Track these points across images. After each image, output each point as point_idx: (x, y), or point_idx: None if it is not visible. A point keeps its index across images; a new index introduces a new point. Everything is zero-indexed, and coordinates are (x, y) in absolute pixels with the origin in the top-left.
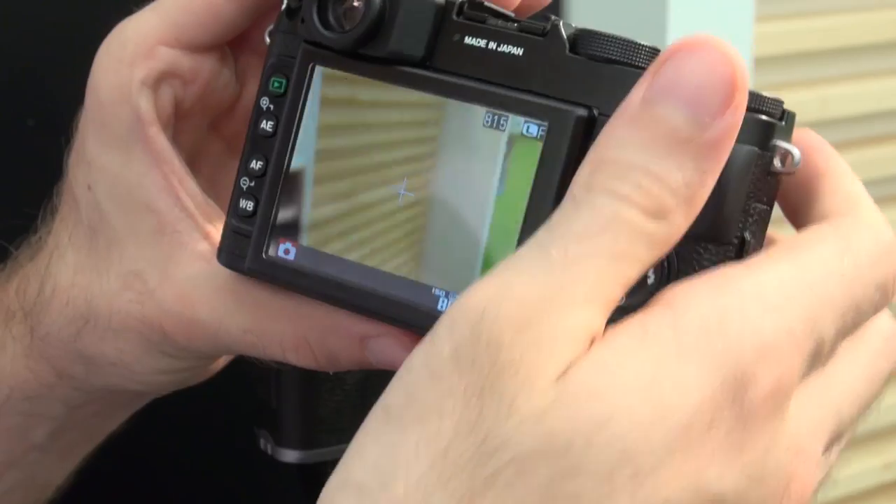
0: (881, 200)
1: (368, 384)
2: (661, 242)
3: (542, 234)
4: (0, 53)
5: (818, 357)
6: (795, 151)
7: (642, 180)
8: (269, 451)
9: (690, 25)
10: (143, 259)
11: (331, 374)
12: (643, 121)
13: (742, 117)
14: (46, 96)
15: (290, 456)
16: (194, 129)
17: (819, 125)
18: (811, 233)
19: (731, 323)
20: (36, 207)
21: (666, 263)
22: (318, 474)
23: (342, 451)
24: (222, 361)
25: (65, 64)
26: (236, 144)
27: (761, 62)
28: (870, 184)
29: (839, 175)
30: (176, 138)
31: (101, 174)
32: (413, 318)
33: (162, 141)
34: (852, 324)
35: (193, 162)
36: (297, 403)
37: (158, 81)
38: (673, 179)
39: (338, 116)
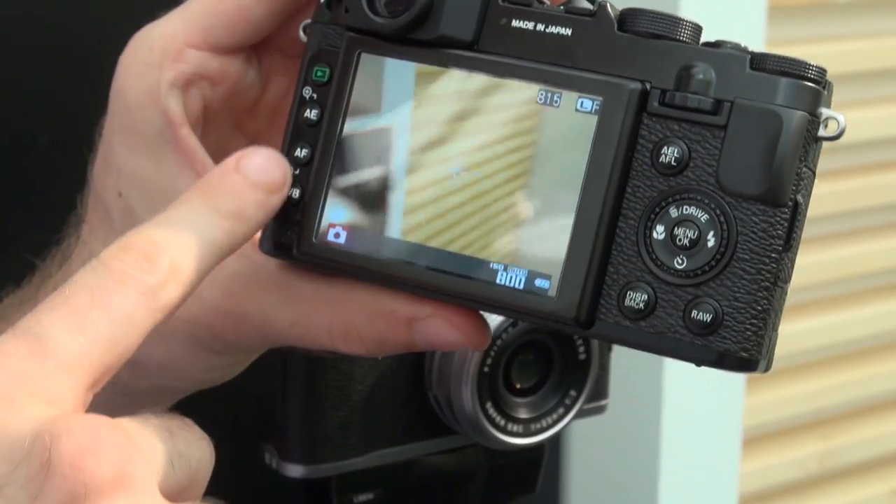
0: (888, 226)
1: (373, 399)
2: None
3: None
4: (13, 71)
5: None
6: (840, 117)
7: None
8: (274, 466)
9: None
10: None
11: (334, 390)
12: None
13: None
14: (58, 114)
15: (294, 471)
16: (220, 129)
17: (829, 150)
18: None
19: None
20: (53, 221)
21: (726, 227)
22: (322, 489)
23: (347, 467)
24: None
25: (77, 81)
26: (260, 142)
27: None
28: (876, 210)
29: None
30: (203, 139)
31: (133, 180)
32: (470, 292)
33: (193, 142)
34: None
35: (219, 161)
36: (302, 418)
37: (187, 83)
38: None
39: (384, 101)
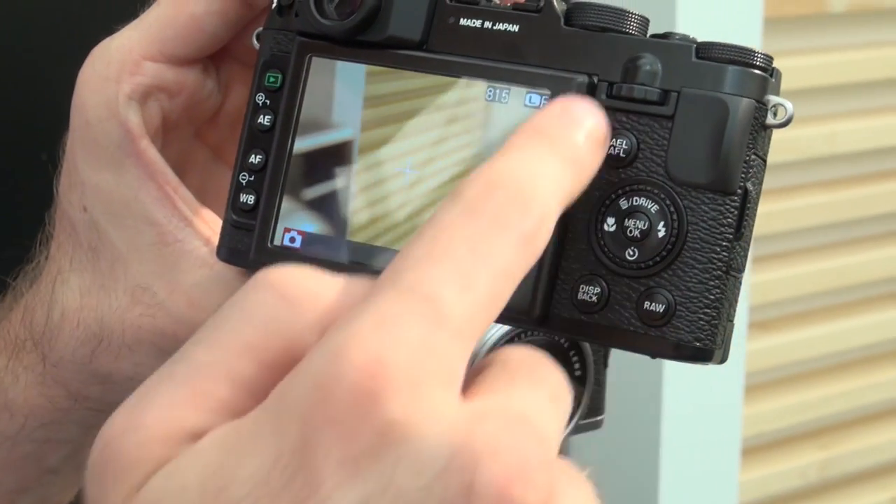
0: (887, 235)
1: None
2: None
3: None
4: (15, 89)
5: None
6: (788, 104)
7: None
8: None
9: None
10: (148, 272)
11: None
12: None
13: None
14: (60, 131)
15: None
16: (180, 139)
17: (827, 160)
18: None
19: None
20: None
21: (675, 217)
22: None
23: None
24: None
25: None
26: (222, 151)
27: None
28: (877, 219)
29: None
30: (164, 150)
31: (96, 193)
32: None
33: (153, 153)
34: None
35: (182, 172)
36: None
37: (145, 96)
38: None
39: (335, 104)
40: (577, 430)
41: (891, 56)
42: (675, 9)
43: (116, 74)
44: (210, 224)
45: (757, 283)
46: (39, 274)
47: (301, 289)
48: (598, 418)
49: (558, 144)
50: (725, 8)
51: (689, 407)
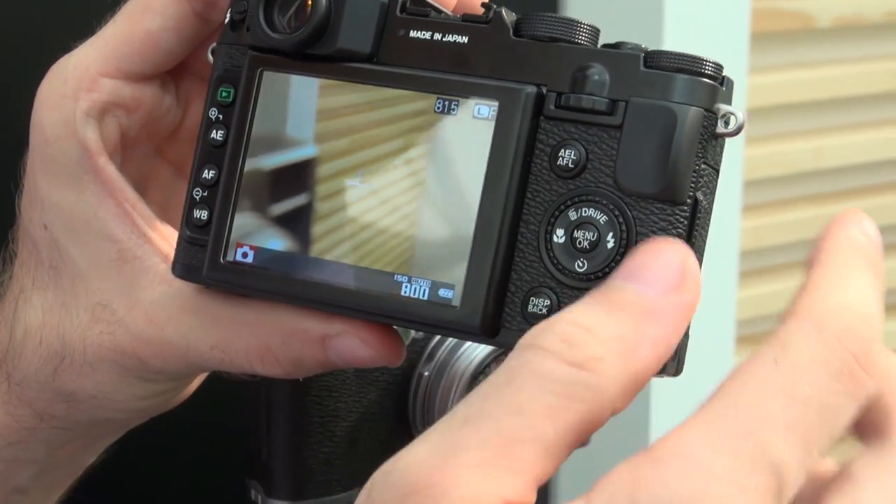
0: None
1: (358, 435)
2: (585, 396)
3: (463, 399)
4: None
5: (785, 488)
6: (739, 113)
7: (567, 329)
8: (260, 502)
9: None
10: (108, 289)
11: (319, 426)
12: (590, 294)
13: (693, 305)
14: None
15: None
16: (141, 156)
17: (813, 175)
18: (744, 362)
19: (642, 494)
20: None
21: (624, 227)
22: None
23: (332, 503)
24: (197, 383)
25: None
26: (184, 167)
27: (755, 113)
28: None
29: (814, 263)
30: (124, 167)
31: (56, 211)
32: (376, 306)
33: (111, 170)
34: (825, 430)
35: (144, 188)
36: (288, 455)
37: (102, 112)
38: (603, 330)
39: (285, 117)
40: None
41: (877, 71)
42: (663, 23)
43: (73, 92)
44: (169, 241)
45: (745, 298)
46: (4, 293)
47: (582, 353)
48: None
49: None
50: (712, 23)
51: (677, 422)
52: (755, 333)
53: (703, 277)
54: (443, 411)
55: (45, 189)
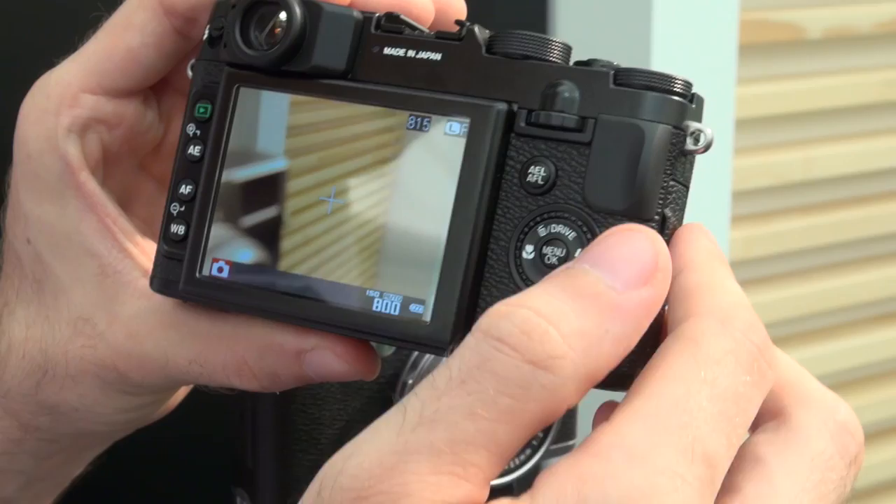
0: (867, 260)
1: (343, 443)
2: (542, 396)
3: (417, 388)
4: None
5: (717, 477)
6: (707, 130)
7: (528, 318)
8: None
9: None
10: (89, 303)
11: (304, 434)
12: (554, 276)
13: (662, 298)
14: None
15: None
16: (124, 171)
17: (803, 186)
18: (661, 358)
19: (590, 489)
20: None
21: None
22: None
23: None
24: (182, 394)
25: None
26: (167, 182)
27: (744, 124)
28: (854, 244)
29: (685, 270)
30: (106, 182)
31: (38, 226)
32: (348, 320)
33: (93, 186)
34: (743, 419)
35: (127, 204)
36: (273, 463)
37: (84, 128)
38: (566, 323)
39: (260, 133)
40: (548, 454)
41: (867, 82)
42: (651, 34)
43: (55, 107)
44: (150, 255)
45: None
46: None
47: (543, 350)
48: (570, 443)
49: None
50: (700, 34)
51: None
52: None
53: None
54: None
55: (28, 204)
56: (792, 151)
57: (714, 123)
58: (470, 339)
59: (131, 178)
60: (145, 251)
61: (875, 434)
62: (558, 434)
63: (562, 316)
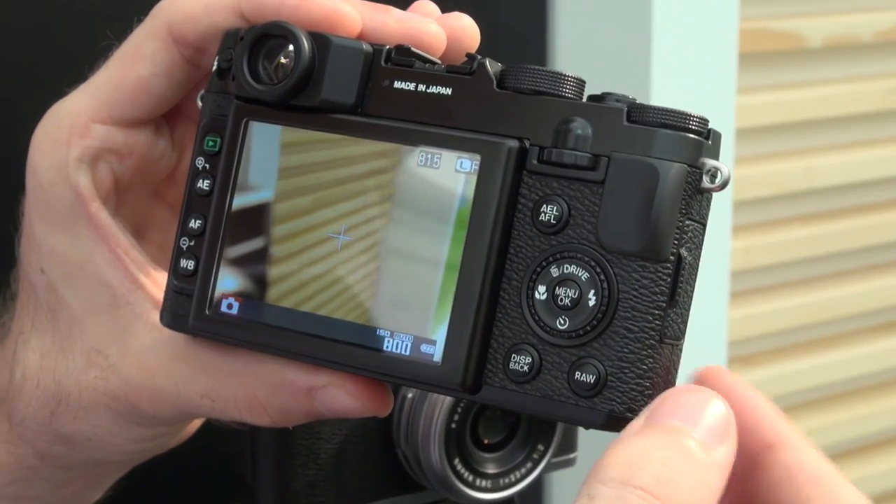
0: (869, 269)
1: (343, 458)
2: None
3: None
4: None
5: None
6: (724, 168)
7: (661, 471)
8: None
9: (673, 99)
10: (102, 334)
11: (303, 449)
12: (651, 429)
13: (733, 455)
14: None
15: None
16: (137, 200)
17: (805, 195)
18: None
19: None
20: None
21: (606, 285)
22: None
23: None
24: (198, 423)
25: None
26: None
27: (744, 133)
28: (856, 253)
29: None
30: (119, 211)
31: (51, 256)
32: (358, 360)
33: (104, 216)
34: None
35: (142, 231)
36: (272, 478)
37: (95, 158)
38: (687, 477)
39: (270, 169)
40: (549, 468)
41: (868, 90)
42: (651, 44)
43: (66, 137)
44: (162, 287)
45: (736, 319)
46: (6, 333)
47: (677, 498)
48: (571, 455)
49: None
50: (700, 43)
51: None
52: (747, 354)
53: (694, 298)
54: (426, 433)
55: (41, 234)
56: (793, 161)
57: None
58: (609, 491)
59: (145, 207)
60: (157, 282)
61: (877, 444)
62: (559, 447)
63: (683, 469)
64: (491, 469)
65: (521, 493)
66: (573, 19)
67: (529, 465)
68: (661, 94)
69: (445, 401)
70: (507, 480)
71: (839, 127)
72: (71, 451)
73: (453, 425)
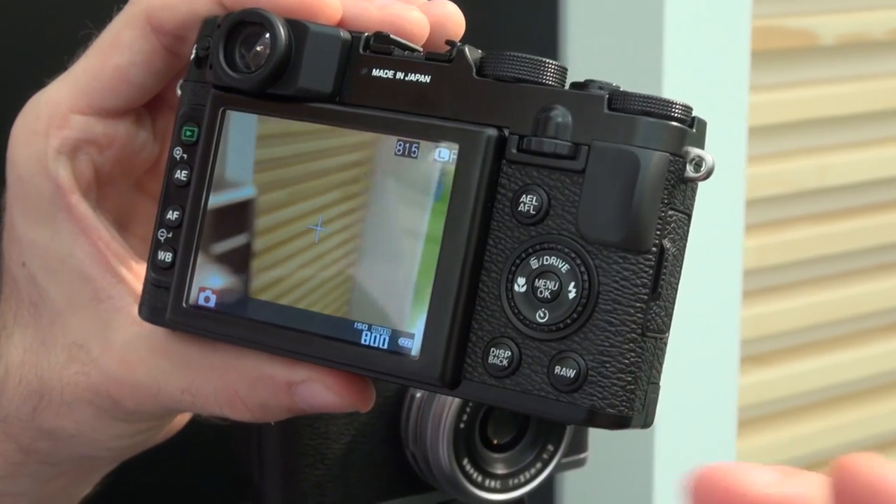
0: (881, 268)
1: (350, 457)
2: None
3: None
4: None
5: None
6: (708, 157)
7: None
8: None
9: (685, 97)
10: (83, 329)
11: (311, 448)
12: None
13: None
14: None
15: None
16: (119, 191)
17: (818, 193)
18: None
19: None
20: None
21: (586, 277)
22: None
23: None
24: (184, 418)
25: None
26: None
27: (758, 132)
28: (869, 252)
29: None
30: (101, 203)
31: (32, 249)
32: (336, 354)
33: (84, 208)
34: None
35: (125, 224)
36: (279, 478)
37: (74, 149)
38: None
39: (248, 159)
40: (559, 468)
41: (881, 88)
42: (663, 42)
43: (45, 129)
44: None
45: (749, 317)
46: None
47: None
48: (582, 456)
49: None
50: (713, 41)
51: (681, 442)
52: (759, 353)
53: (706, 297)
54: (434, 433)
55: (22, 227)
56: (806, 159)
57: (727, 131)
58: None
59: (128, 198)
60: (139, 276)
61: (892, 443)
62: (570, 447)
63: None
64: (500, 469)
65: (530, 494)
66: (584, 16)
67: (539, 465)
68: (673, 92)
69: (454, 400)
70: (516, 481)
71: (852, 125)
72: (55, 446)
73: (462, 425)
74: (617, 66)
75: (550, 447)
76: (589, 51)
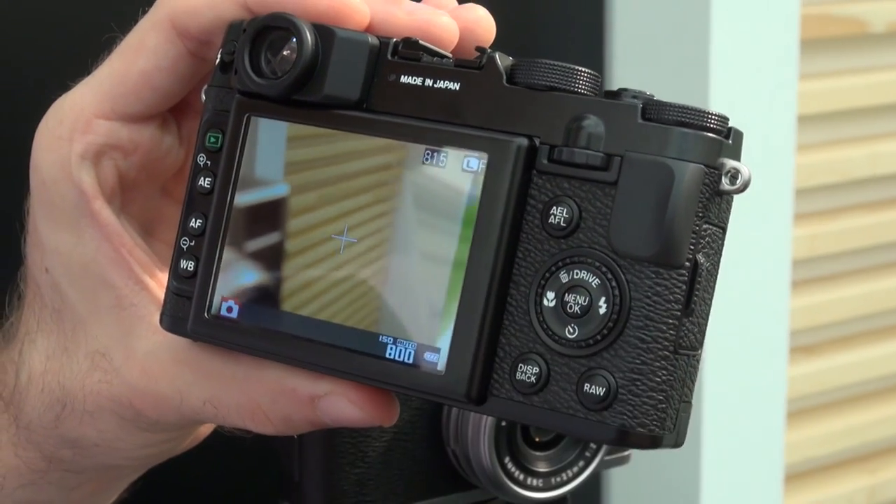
0: None
1: (391, 456)
2: None
3: None
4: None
5: None
6: (744, 169)
7: None
8: None
9: (734, 86)
10: (106, 336)
11: (351, 447)
12: None
13: None
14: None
15: None
16: (145, 197)
17: (869, 182)
18: None
19: None
20: None
21: (618, 292)
22: None
23: None
24: (210, 426)
25: None
26: None
27: (807, 120)
28: None
29: None
30: (126, 209)
31: (55, 255)
32: (360, 367)
33: (108, 214)
34: None
35: (151, 230)
36: (320, 475)
37: (98, 155)
38: None
39: (272, 165)
40: (602, 465)
41: None
42: (710, 31)
43: (69, 133)
44: None
45: (799, 308)
46: (13, 333)
47: None
48: (626, 453)
49: None
50: (762, 30)
51: (729, 434)
52: (809, 343)
53: (756, 288)
54: (476, 431)
55: (45, 232)
56: (856, 147)
57: (776, 120)
58: None
59: (153, 204)
60: (162, 283)
61: None
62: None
63: None
64: (542, 467)
65: (574, 492)
66: (632, 9)
67: (582, 463)
68: (722, 83)
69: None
70: (559, 479)
71: None
72: (79, 455)
73: (503, 423)
74: (665, 56)
75: (593, 445)
76: (636, 42)
